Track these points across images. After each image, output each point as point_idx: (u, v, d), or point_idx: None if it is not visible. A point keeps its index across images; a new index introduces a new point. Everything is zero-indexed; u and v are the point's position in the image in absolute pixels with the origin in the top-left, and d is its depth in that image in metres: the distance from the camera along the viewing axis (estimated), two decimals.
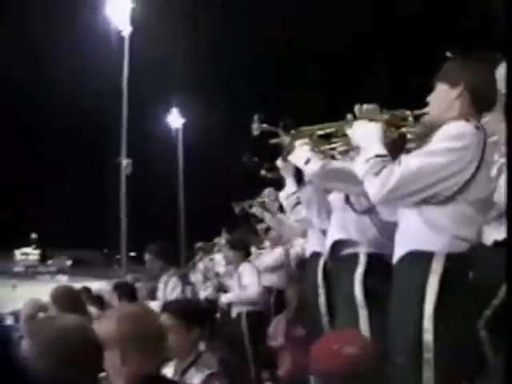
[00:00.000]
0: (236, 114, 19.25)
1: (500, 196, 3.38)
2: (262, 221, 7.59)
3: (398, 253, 3.01)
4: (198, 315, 3.89)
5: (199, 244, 9.61)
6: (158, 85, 21.23)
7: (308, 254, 4.92)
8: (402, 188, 2.85)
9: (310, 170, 3.83)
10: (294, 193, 4.83)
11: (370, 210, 3.83)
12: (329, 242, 3.97)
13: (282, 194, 4.99)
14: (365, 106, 3.47)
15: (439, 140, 2.88)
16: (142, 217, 19.45)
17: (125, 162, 20.51)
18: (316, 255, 4.75)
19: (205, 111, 21.35)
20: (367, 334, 3.63)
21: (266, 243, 8.53)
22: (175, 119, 24.91)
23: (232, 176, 19.22)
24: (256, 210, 6.72)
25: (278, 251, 8.32)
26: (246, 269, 7.20)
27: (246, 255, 7.25)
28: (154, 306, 5.69)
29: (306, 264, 5.15)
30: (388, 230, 3.78)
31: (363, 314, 3.67)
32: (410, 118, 3.28)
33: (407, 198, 2.90)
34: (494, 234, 3.70)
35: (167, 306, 3.98)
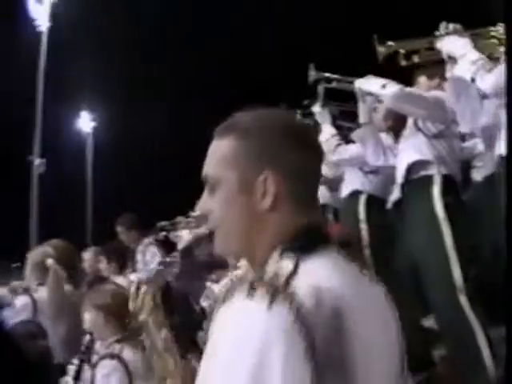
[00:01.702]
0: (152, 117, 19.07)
1: None
2: None
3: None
4: None
5: (162, 223, 9.41)
6: (71, 87, 20.67)
7: (345, 193, 5.09)
8: None
9: (388, 92, 4.01)
10: (333, 135, 5.04)
11: (439, 134, 4.05)
12: (404, 164, 4.12)
13: (321, 138, 5.14)
14: (451, 25, 3.71)
15: None
16: (52, 219, 18.85)
17: (38, 161, 19.85)
18: (355, 193, 4.95)
19: (117, 115, 20.99)
20: (452, 246, 3.80)
21: None
22: (85, 123, 24.50)
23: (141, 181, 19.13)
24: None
25: None
26: None
27: None
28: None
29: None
30: (455, 154, 4.04)
31: (446, 229, 3.83)
32: (496, 35, 3.68)
33: None
34: None
35: None
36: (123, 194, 19.72)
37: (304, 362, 1.22)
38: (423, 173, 4.05)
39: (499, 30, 3.68)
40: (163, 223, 9.08)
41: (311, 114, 5.39)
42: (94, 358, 3.94)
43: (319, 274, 1.33)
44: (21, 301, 4.80)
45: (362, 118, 4.57)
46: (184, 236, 8.76)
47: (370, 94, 4.35)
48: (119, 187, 20.25)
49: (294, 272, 1.32)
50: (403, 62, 3.90)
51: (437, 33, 3.75)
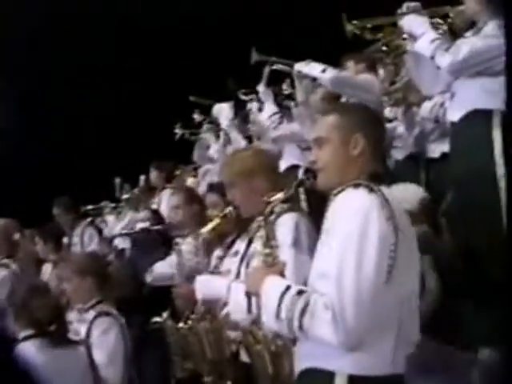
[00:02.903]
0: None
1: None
2: None
3: (458, 114, 3.85)
4: None
5: (88, 207, 9.30)
6: None
7: (283, 167, 5.59)
8: (469, 60, 3.71)
9: (327, 77, 4.60)
10: (275, 113, 5.57)
11: None
12: None
13: (264, 115, 5.64)
14: (412, 4, 4.19)
15: (489, 30, 3.76)
16: None
17: None
18: (294, 168, 5.47)
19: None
20: None
21: None
22: None
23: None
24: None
25: None
26: None
27: None
28: None
29: None
30: None
31: None
32: (451, 14, 4.25)
33: (472, 69, 3.75)
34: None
35: (215, 186, 4.57)
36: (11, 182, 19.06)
37: (389, 226, 2.14)
38: None
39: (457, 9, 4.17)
40: (89, 207, 9.10)
41: (254, 93, 5.89)
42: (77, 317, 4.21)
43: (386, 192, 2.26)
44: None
45: (299, 98, 5.05)
46: (110, 221, 8.86)
47: (308, 76, 4.83)
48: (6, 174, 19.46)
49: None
50: (369, 37, 4.43)
51: (399, 11, 4.20)
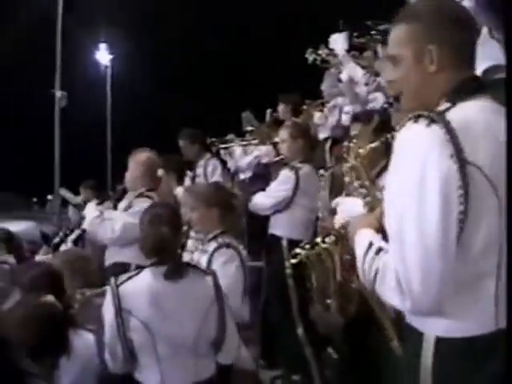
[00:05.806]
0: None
1: None
2: None
3: None
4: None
5: (213, 139, 9.32)
6: (89, 19, 20.58)
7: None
8: None
9: None
10: None
11: None
12: (479, 70, 4.33)
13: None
14: None
15: None
16: (74, 155, 19.13)
17: (59, 93, 19.74)
18: None
19: (133, 48, 20.93)
20: None
21: None
22: (104, 55, 24.45)
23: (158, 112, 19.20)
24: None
25: None
26: None
27: None
28: None
29: None
30: None
31: None
32: None
33: None
34: None
35: (360, 116, 4.33)
36: (142, 125, 19.89)
37: (454, 164, 1.77)
38: (497, 76, 4.23)
39: None
40: (214, 139, 9.17)
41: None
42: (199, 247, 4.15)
43: (468, 113, 1.87)
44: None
45: None
46: (237, 151, 8.87)
47: None
48: (138, 119, 20.34)
49: (449, 109, 1.87)
50: None
51: None
